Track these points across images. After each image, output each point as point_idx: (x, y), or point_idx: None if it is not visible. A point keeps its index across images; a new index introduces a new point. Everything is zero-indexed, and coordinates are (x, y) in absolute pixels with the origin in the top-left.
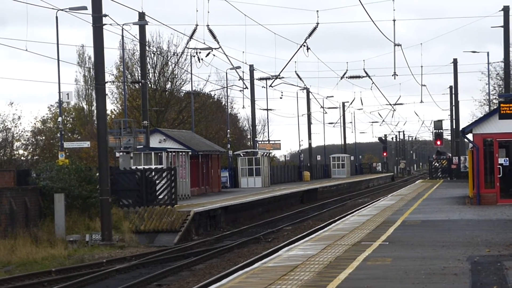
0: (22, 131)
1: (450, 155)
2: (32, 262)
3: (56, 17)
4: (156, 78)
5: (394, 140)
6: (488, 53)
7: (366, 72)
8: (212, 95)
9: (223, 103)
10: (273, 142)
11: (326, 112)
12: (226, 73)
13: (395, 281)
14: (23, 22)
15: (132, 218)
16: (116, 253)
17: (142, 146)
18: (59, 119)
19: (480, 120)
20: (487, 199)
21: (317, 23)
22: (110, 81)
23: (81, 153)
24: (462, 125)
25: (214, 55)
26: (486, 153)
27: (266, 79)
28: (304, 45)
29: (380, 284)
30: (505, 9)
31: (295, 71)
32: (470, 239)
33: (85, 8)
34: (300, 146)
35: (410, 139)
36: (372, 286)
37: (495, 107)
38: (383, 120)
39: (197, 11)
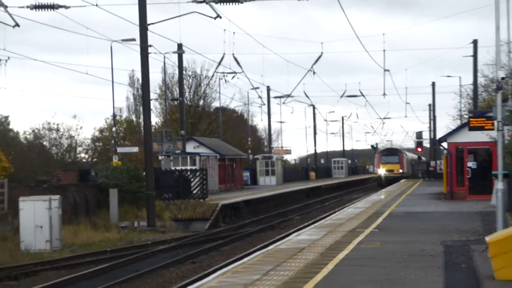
0: (83, 139)
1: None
2: (91, 243)
3: (111, 47)
4: (191, 96)
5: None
6: (460, 77)
7: (361, 92)
8: (236, 110)
9: (245, 117)
10: (285, 148)
11: (328, 124)
12: (248, 92)
13: (383, 260)
14: (84, 51)
15: (171, 208)
16: (158, 236)
17: (179, 151)
18: (113, 129)
19: (453, 131)
20: (458, 195)
21: (322, 53)
22: (154, 99)
23: (131, 157)
24: (439, 135)
25: (238, 78)
26: (458, 158)
27: (280, 97)
28: (311, 70)
29: (371, 262)
30: (474, 42)
31: (304, 91)
32: (443, 227)
33: (134, 40)
34: (307, 151)
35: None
36: (365, 264)
37: (465, 121)
38: (375, 131)
39: (224, 42)
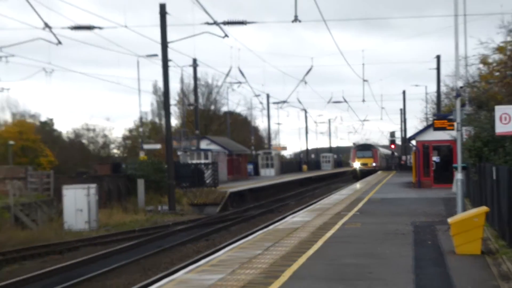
0: (115, 137)
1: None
2: (123, 224)
3: (137, 61)
4: (204, 102)
5: None
6: (426, 86)
7: (344, 99)
8: (241, 114)
9: (249, 119)
10: (282, 145)
11: (317, 125)
12: (251, 99)
13: (363, 238)
14: (115, 64)
15: (188, 195)
16: (178, 218)
17: (195, 148)
18: (140, 129)
19: (421, 131)
20: (425, 184)
21: (312, 66)
22: (173, 104)
23: (155, 152)
24: (409, 134)
25: (242, 87)
26: (424, 153)
27: (277, 103)
28: (303, 81)
29: (353, 239)
30: (438, 57)
31: (297, 98)
32: (413, 210)
33: (156, 55)
34: (300, 148)
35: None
36: (348, 240)
37: (430, 123)
38: (356, 131)
39: (231, 57)
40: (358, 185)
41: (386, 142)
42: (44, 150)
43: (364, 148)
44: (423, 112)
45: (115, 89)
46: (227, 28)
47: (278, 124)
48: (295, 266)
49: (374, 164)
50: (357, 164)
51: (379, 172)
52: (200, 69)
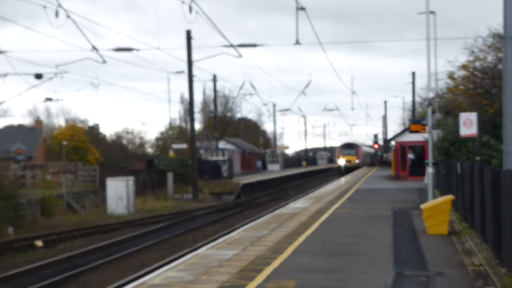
0: (149, 139)
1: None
2: (154, 209)
3: (168, 77)
4: (222, 110)
5: None
6: (403, 97)
7: (336, 107)
8: (252, 120)
9: (258, 124)
10: (285, 145)
11: (314, 129)
12: (260, 107)
13: (352, 220)
14: (150, 79)
15: (208, 186)
16: (200, 205)
17: (214, 147)
18: (170, 132)
19: (399, 134)
20: (402, 177)
21: (310, 80)
22: (196, 112)
23: (182, 151)
24: (389, 136)
25: (253, 98)
26: (402, 152)
27: (281, 110)
28: (303, 92)
29: (343, 222)
30: (413, 73)
31: (298, 107)
32: (392, 198)
33: (183, 72)
34: (300, 147)
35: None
36: (339, 223)
37: (407, 127)
38: (346, 134)
39: (244, 74)
40: (347, 178)
41: (371, 142)
42: (91, 149)
43: (348, 147)
44: (401, 118)
45: (149, 100)
46: (241, 49)
47: (282, 128)
48: (295, 244)
49: (357, 161)
50: (341, 161)
51: (364, 167)
52: (219, 83)
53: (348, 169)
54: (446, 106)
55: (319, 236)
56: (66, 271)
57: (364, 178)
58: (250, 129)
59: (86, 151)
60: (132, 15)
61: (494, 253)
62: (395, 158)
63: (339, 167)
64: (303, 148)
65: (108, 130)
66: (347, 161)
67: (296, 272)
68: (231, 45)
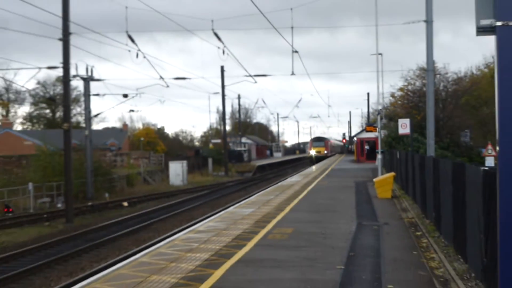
0: (197, 136)
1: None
2: (200, 182)
3: (209, 96)
4: (243, 117)
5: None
6: (361, 109)
7: (318, 115)
8: (263, 123)
9: (267, 126)
10: (285, 140)
11: (304, 129)
12: (269, 115)
13: (328, 189)
14: (198, 97)
15: (235, 167)
16: (229, 179)
17: (238, 142)
18: (210, 132)
19: (359, 133)
20: (361, 161)
21: (301, 98)
22: (227, 118)
23: (218, 144)
24: (353, 134)
25: (264, 109)
26: (361, 144)
27: (283, 117)
28: (296, 106)
29: (323, 190)
30: (368, 93)
31: (293, 115)
32: (355, 174)
33: (218, 93)
34: (295, 141)
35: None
36: (321, 191)
37: (364, 128)
38: (325, 133)
39: (258, 94)
40: (325, 161)
41: (340, 138)
42: (159, 143)
43: (319, 140)
44: (360, 122)
45: (197, 111)
46: (256, 78)
47: (283, 129)
48: (292, 204)
49: (326, 152)
50: (313, 152)
51: (336, 154)
52: (242, 100)
53: (318, 159)
54: (390, 115)
55: (307, 200)
56: (142, 222)
57: (336, 162)
58: (262, 130)
59: (156, 144)
60: (185, 55)
61: (421, 210)
62: (356, 149)
63: (310, 157)
64: (297, 142)
65: (170, 130)
66: (317, 151)
67: (293, 222)
68: (250, 75)
